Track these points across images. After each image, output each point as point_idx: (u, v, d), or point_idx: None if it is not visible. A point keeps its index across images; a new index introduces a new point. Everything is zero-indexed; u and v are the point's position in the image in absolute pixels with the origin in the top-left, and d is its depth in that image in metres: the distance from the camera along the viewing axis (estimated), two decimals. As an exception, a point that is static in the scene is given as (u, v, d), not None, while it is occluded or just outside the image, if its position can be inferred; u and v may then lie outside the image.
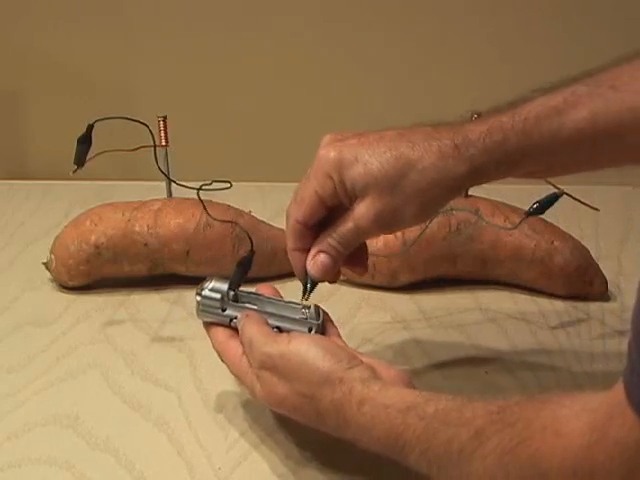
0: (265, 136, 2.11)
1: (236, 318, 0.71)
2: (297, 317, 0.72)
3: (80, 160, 0.86)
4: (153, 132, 0.88)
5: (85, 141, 0.86)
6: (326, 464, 0.70)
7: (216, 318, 0.72)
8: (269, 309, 0.72)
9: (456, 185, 0.69)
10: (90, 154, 0.86)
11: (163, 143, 0.92)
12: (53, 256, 0.94)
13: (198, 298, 0.73)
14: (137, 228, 0.93)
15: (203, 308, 0.73)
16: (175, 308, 0.93)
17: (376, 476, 0.68)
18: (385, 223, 0.69)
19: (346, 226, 0.69)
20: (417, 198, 0.68)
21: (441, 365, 0.84)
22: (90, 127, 0.86)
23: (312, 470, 0.69)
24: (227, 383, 0.79)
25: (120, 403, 0.77)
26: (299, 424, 0.73)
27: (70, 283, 0.95)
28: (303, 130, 2.09)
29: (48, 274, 0.96)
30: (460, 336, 0.89)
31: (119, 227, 0.93)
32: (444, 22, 2.05)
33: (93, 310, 0.92)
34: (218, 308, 0.72)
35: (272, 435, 0.73)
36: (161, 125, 0.93)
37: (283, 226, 0.98)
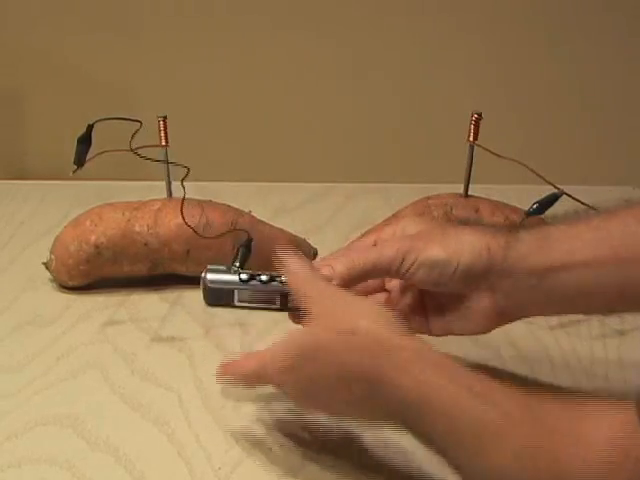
0: (265, 136, 2.11)
1: (243, 281, 0.72)
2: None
3: (80, 160, 0.86)
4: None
5: (85, 141, 0.86)
6: (327, 464, 0.69)
7: (224, 284, 0.73)
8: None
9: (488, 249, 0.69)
10: (90, 154, 0.86)
11: (163, 143, 0.92)
12: (53, 256, 0.94)
13: (203, 274, 0.74)
14: (137, 228, 0.93)
15: (211, 280, 0.73)
16: (175, 308, 0.93)
17: (377, 477, 0.68)
18: (405, 250, 0.69)
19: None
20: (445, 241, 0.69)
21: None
22: (90, 127, 0.86)
23: (312, 470, 0.69)
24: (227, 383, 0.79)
25: (120, 403, 0.77)
26: (299, 424, 0.73)
27: (70, 283, 0.94)
28: (303, 131, 2.09)
29: (48, 274, 0.96)
30: (460, 336, 0.88)
31: (119, 227, 0.93)
32: (443, 24, 2.05)
33: (93, 310, 0.92)
34: (225, 272, 0.74)
35: (272, 435, 0.73)
36: (161, 125, 0.93)
37: (283, 226, 0.99)
